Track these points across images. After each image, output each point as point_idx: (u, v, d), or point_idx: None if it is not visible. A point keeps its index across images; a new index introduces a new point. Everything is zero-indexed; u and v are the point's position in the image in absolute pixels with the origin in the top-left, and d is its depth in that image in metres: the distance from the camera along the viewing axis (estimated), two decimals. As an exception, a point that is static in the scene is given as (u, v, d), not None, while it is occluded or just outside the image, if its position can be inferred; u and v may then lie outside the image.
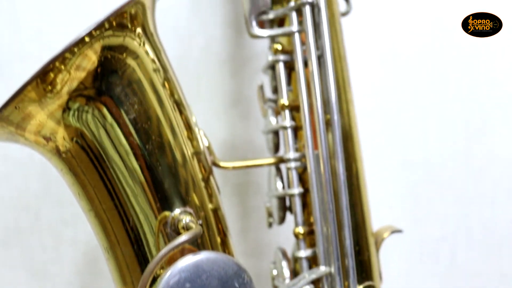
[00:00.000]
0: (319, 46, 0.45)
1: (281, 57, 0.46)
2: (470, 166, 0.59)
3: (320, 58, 0.45)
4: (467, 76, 0.59)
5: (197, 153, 0.42)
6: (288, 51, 0.47)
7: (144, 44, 0.39)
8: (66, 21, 0.54)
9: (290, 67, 0.47)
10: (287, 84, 0.47)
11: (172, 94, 0.41)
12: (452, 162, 0.59)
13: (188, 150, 0.41)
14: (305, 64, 0.45)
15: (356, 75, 0.50)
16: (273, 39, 0.48)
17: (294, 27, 0.45)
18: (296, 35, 0.45)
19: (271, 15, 0.46)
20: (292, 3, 0.45)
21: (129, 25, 0.38)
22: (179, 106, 0.41)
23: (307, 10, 0.44)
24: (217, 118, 0.58)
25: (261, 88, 0.50)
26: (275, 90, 0.48)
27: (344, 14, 0.50)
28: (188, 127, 0.42)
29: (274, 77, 0.48)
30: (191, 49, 0.57)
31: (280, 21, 0.48)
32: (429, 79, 0.59)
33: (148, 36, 0.40)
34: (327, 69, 0.44)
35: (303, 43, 0.45)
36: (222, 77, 0.58)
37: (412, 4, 0.58)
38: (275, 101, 0.49)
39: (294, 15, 0.45)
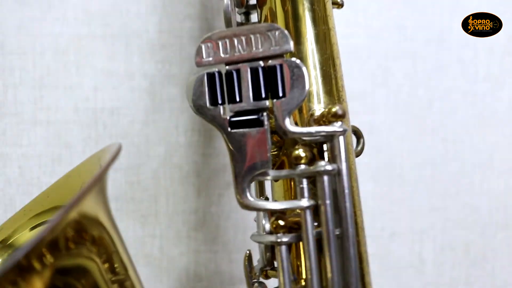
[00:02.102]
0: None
1: (284, 238, 0.32)
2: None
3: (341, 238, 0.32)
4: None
5: None
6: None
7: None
8: None
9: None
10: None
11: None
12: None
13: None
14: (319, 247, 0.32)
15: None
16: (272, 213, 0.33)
17: (304, 201, 0.31)
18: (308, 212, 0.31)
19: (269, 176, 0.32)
20: (301, 167, 0.31)
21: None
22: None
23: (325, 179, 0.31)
24: (178, 243, 0.52)
25: (249, 258, 0.37)
26: (269, 262, 0.35)
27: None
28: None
29: (270, 259, 0.35)
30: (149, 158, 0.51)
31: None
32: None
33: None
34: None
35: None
36: (185, 193, 0.52)
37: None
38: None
39: (305, 182, 0.32)
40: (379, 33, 0.55)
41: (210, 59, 0.31)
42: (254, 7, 0.39)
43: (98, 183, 0.26)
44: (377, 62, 0.55)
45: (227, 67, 0.31)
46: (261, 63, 0.31)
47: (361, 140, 0.37)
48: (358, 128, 0.38)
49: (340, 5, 0.39)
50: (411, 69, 0.56)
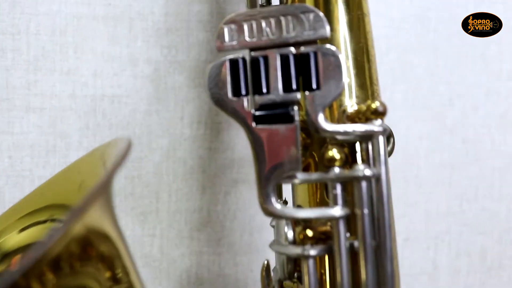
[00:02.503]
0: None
1: (313, 251, 0.28)
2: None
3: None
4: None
5: None
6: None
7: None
8: None
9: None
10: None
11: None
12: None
13: None
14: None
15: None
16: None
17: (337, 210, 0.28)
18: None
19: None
20: (335, 171, 0.28)
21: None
22: None
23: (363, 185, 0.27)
24: (179, 243, 0.49)
25: (267, 268, 0.34)
26: (290, 275, 0.31)
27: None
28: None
29: (292, 271, 0.31)
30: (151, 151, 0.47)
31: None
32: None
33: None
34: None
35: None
36: (189, 190, 0.48)
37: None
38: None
39: (339, 188, 0.28)
40: (400, 24, 0.51)
41: (234, 43, 0.27)
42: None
43: (104, 193, 0.22)
44: (397, 55, 0.51)
45: (252, 53, 0.27)
46: (293, 49, 0.27)
47: (391, 139, 0.33)
48: (388, 126, 0.34)
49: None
50: (433, 63, 0.52)
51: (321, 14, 0.27)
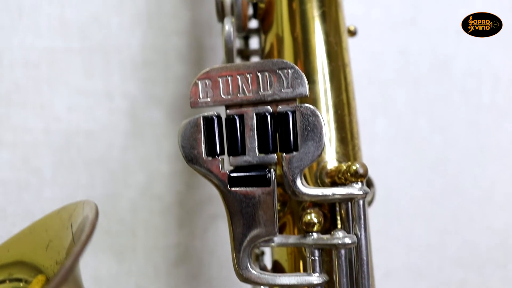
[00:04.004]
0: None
1: None
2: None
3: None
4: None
5: None
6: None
7: None
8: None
9: None
10: None
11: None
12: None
13: None
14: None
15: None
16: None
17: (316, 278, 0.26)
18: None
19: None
20: (314, 236, 0.26)
21: None
22: None
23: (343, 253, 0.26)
24: (156, 280, 0.46)
25: None
26: None
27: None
28: None
29: None
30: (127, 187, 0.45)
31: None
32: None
33: None
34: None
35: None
36: (166, 226, 0.47)
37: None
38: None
39: (317, 254, 0.26)
40: (380, 58, 0.50)
41: (208, 99, 0.26)
42: (256, 31, 0.33)
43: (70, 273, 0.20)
44: (377, 89, 0.50)
45: (228, 110, 0.26)
46: (270, 108, 0.25)
47: (373, 189, 0.32)
48: (368, 189, 0.32)
49: (353, 33, 0.33)
50: (413, 96, 0.51)
51: (300, 71, 0.25)
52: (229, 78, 0.25)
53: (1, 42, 0.43)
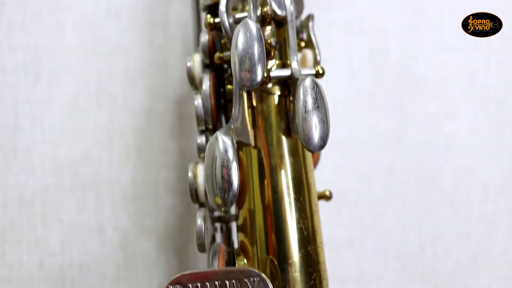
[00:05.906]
0: None
1: None
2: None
3: None
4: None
5: None
6: None
7: None
8: None
9: None
10: None
11: None
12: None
13: None
14: None
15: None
16: None
17: None
18: None
19: None
20: None
21: None
22: None
23: None
24: None
25: None
26: None
27: None
28: None
29: None
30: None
31: None
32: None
33: None
34: None
35: None
36: None
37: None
38: None
39: None
40: (368, 177, 0.50)
41: (179, 304, 0.26)
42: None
43: None
44: (365, 207, 0.50)
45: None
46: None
47: None
48: None
49: (329, 198, 0.34)
50: (402, 212, 0.51)
51: (267, 280, 0.25)
52: (198, 284, 0.26)
53: (-4, 182, 0.44)
